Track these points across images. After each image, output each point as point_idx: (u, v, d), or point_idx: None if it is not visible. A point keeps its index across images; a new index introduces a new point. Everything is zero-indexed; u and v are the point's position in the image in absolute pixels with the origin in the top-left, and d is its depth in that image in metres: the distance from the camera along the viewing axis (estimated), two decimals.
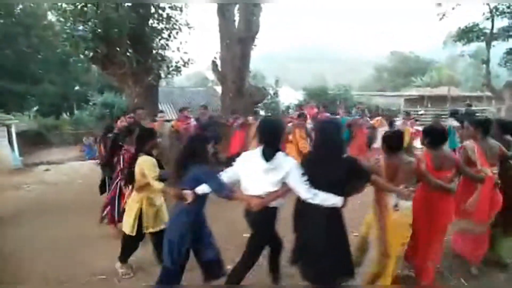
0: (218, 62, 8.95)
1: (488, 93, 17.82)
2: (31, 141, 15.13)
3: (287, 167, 2.15)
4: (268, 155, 2.15)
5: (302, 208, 2.20)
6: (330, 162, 2.15)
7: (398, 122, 7.26)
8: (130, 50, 7.26)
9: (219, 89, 11.99)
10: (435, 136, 2.65)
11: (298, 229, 2.28)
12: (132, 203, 2.96)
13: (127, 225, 2.98)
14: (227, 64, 8.62)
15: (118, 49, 6.87)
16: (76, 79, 21.88)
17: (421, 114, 16.07)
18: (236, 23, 8.51)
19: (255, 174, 2.22)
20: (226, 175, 2.37)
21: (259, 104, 11.17)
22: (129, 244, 3.12)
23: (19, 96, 18.97)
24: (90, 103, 18.27)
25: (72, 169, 9.51)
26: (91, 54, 6.81)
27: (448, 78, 24.83)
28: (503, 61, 16.32)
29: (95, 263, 3.41)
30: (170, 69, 8.32)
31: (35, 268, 3.40)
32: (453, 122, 6.74)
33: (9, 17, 18.68)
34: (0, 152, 10.42)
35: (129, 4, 7.13)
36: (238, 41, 8.29)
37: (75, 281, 3.12)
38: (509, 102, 15.99)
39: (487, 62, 15.89)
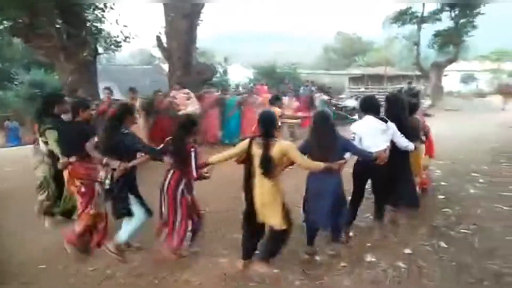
0: (163, 37, 8.48)
1: (418, 73, 19.76)
2: None
3: (393, 128, 3.09)
4: (385, 120, 3.07)
5: (398, 155, 3.14)
6: (406, 122, 3.27)
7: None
8: (59, 21, 6.49)
9: (166, 67, 11.41)
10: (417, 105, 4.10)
11: (390, 171, 3.11)
12: (272, 196, 2.60)
13: (279, 220, 2.61)
14: (172, 40, 8.22)
15: (43, 19, 6.10)
16: None
17: (362, 91, 17.49)
18: None
19: (375, 134, 3.03)
20: (356, 142, 3.03)
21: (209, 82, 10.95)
22: (285, 239, 2.77)
23: None
24: (16, 82, 16.03)
25: None
26: (10, 24, 5.96)
27: (386, 59, 26.82)
28: (431, 43, 18.02)
29: (39, 251, 3.28)
30: (109, 44, 7.69)
31: None
32: (323, 96, 9.02)
33: None
34: None
35: None
36: (182, 15, 7.91)
37: (26, 271, 2.98)
38: (434, 80, 18.00)
39: (417, 43, 17.49)
